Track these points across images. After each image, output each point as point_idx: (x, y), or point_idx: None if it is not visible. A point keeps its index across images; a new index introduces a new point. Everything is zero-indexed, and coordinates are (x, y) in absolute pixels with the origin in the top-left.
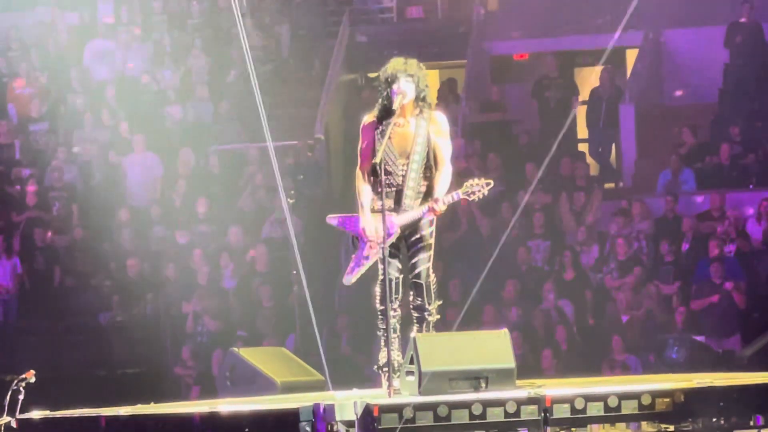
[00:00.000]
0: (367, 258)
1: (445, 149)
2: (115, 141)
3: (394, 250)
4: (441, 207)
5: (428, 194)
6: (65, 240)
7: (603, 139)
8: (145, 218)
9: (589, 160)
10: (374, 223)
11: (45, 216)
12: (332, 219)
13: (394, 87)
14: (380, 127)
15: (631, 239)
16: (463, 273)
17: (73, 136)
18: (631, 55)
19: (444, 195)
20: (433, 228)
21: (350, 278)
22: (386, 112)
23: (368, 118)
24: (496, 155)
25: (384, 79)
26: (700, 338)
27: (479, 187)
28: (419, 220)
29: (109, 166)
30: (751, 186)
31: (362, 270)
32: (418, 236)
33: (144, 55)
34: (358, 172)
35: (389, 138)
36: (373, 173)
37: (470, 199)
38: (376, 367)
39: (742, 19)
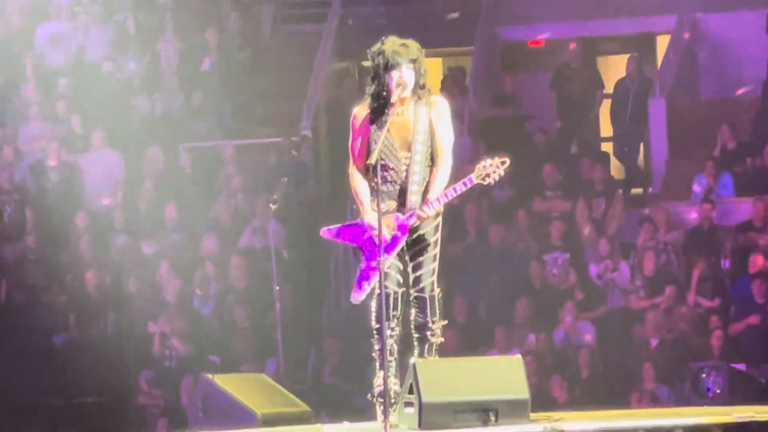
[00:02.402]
0: (371, 271)
1: (445, 137)
2: (72, 137)
3: (396, 261)
4: (427, 212)
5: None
6: (14, 249)
7: (630, 137)
8: (106, 225)
9: (613, 161)
10: (385, 223)
11: None
12: (327, 232)
13: (394, 75)
14: (376, 120)
15: (660, 252)
16: (469, 289)
17: (22, 131)
18: (662, 42)
19: (438, 194)
20: (439, 235)
21: (359, 295)
22: (381, 101)
23: (360, 109)
24: (507, 155)
25: (381, 64)
26: (740, 366)
27: (494, 167)
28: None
29: (64, 166)
30: None
31: (372, 283)
32: (422, 244)
33: (105, 39)
34: (352, 170)
35: (387, 130)
36: (372, 171)
37: (485, 183)
38: (370, 395)
39: None
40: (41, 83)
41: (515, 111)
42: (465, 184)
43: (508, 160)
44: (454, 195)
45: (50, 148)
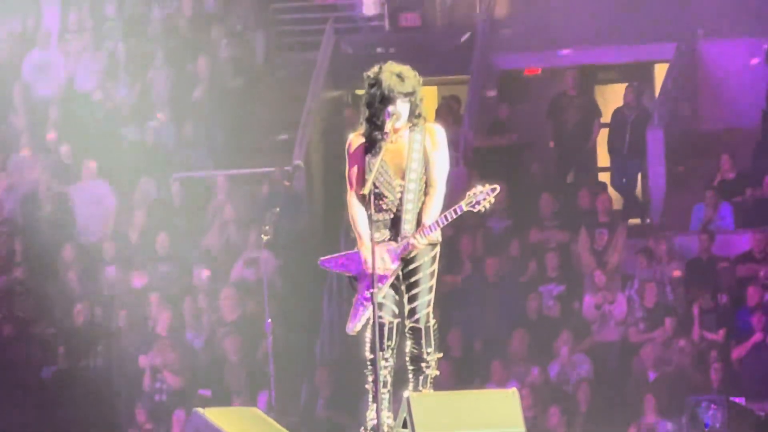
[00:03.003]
0: (367, 300)
1: (439, 166)
2: (62, 167)
3: (392, 291)
4: (420, 241)
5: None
6: (3, 281)
7: (628, 168)
8: (96, 257)
9: (611, 192)
10: (377, 252)
11: None
12: (327, 261)
13: (390, 108)
14: (370, 148)
15: (660, 284)
16: (465, 322)
17: (12, 161)
18: (661, 71)
19: (430, 222)
20: (436, 266)
21: (354, 326)
22: (375, 129)
23: (355, 137)
24: (503, 185)
25: (377, 95)
26: (739, 400)
27: (484, 194)
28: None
29: (54, 196)
30: None
31: (367, 314)
32: (418, 275)
33: (95, 68)
34: (351, 198)
35: (381, 158)
36: (366, 205)
37: (475, 211)
38: (363, 429)
39: None
40: (30, 112)
41: (511, 140)
42: (455, 211)
43: (498, 188)
44: (446, 222)
45: (40, 178)
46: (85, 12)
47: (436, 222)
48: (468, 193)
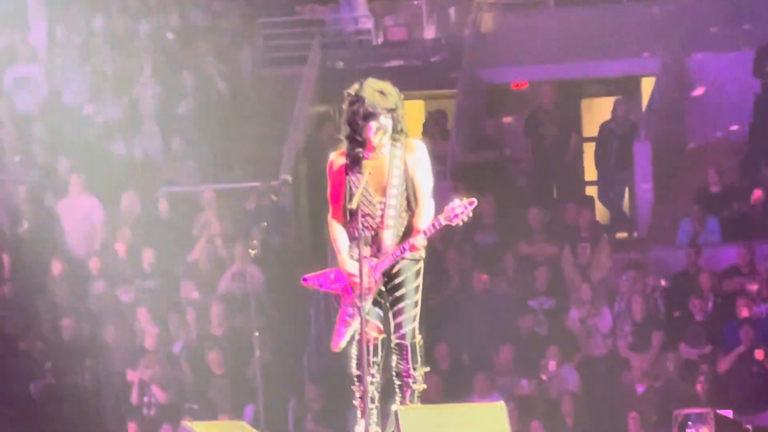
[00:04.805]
0: (350, 317)
1: (424, 182)
2: (49, 182)
3: (377, 307)
4: (422, 241)
5: (409, 235)
6: None
7: (615, 182)
8: (83, 272)
9: (598, 206)
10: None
11: None
12: (309, 279)
13: (372, 125)
14: (352, 166)
15: (650, 297)
16: (453, 336)
17: None
18: (648, 85)
19: (425, 228)
20: (420, 281)
21: (340, 342)
22: (357, 147)
23: (336, 156)
24: (490, 200)
25: (359, 112)
26: (726, 412)
27: (462, 208)
28: (399, 260)
29: (41, 211)
30: None
31: (350, 332)
32: (402, 290)
33: (82, 83)
34: (331, 221)
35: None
36: (351, 219)
37: (453, 224)
38: None
39: None
40: (16, 127)
41: (498, 154)
42: (434, 225)
43: (476, 201)
44: (432, 232)
45: (27, 193)
46: (73, 27)
47: (432, 225)
48: (446, 207)
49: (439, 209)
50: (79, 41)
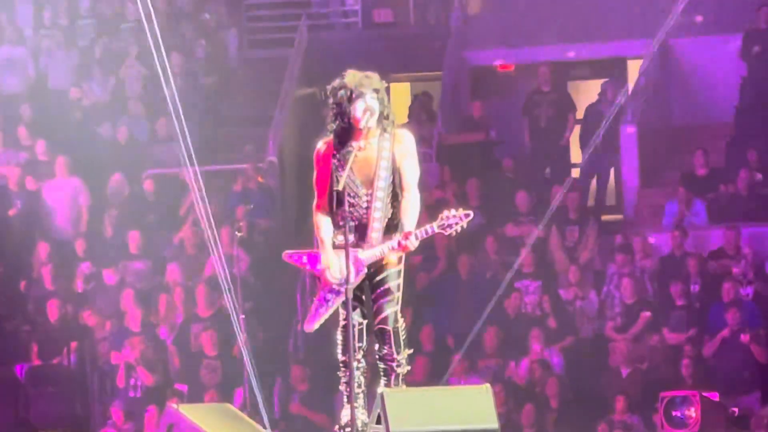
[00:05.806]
0: (327, 301)
1: (410, 172)
2: (34, 164)
3: (358, 293)
4: (413, 243)
5: (396, 227)
6: None
7: (600, 164)
8: (69, 254)
9: (584, 188)
10: (338, 260)
11: None
12: (291, 256)
13: (359, 105)
14: (339, 154)
15: (639, 280)
16: (438, 319)
17: None
18: (634, 67)
19: (416, 228)
20: (402, 266)
21: (312, 325)
22: (345, 135)
23: (323, 144)
24: (477, 182)
25: (345, 96)
26: (712, 395)
27: (456, 218)
28: (385, 256)
29: (26, 193)
30: None
31: (325, 316)
32: (384, 283)
33: (68, 65)
34: (315, 211)
35: (350, 167)
36: (338, 203)
37: (446, 234)
38: (337, 427)
39: (761, 27)
40: (2, 108)
41: (484, 136)
42: (426, 231)
43: (471, 214)
44: (425, 236)
45: (12, 175)
46: (59, 9)
47: (425, 230)
48: (440, 215)
49: (422, 191)
50: (66, 23)
